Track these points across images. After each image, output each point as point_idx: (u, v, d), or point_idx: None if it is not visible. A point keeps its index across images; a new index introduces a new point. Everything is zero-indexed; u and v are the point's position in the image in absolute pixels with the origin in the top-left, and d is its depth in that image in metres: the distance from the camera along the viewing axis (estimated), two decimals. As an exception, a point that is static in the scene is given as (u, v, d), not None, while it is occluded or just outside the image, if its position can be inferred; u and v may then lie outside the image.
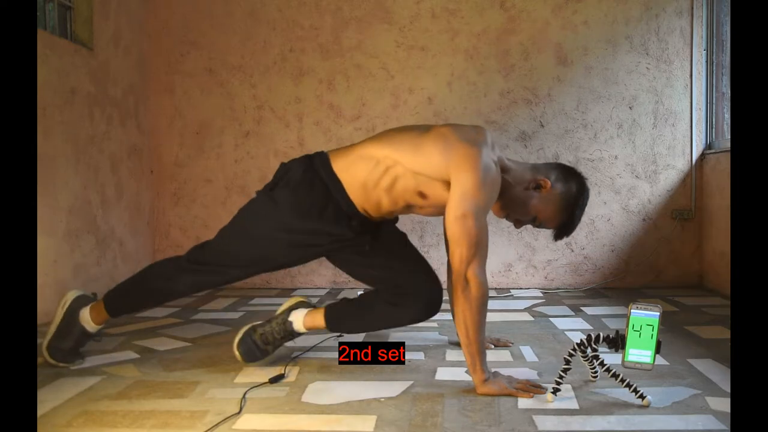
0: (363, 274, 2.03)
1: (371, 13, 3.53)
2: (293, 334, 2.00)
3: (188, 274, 1.94)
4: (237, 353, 1.94)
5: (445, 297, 2.75)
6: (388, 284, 1.95)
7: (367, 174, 1.80)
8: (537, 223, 1.88)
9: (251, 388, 1.72)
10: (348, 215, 1.85)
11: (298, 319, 1.99)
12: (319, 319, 1.99)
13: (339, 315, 2.00)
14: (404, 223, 3.54)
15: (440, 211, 1.83)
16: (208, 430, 1.44)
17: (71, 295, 2.00)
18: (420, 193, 1.81)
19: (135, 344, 2.24)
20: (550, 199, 1.84)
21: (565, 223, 1.86)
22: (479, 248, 1.67)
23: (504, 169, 1.83)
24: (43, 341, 1.95)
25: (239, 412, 1.55)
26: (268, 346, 1.97)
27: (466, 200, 1.67)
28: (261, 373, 1.85)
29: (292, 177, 1.85)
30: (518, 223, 1.91)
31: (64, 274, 2.71)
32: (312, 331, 2.02)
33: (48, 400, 1.64)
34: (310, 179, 1.84)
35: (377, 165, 1.80)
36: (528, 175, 1.85)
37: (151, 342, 2.28)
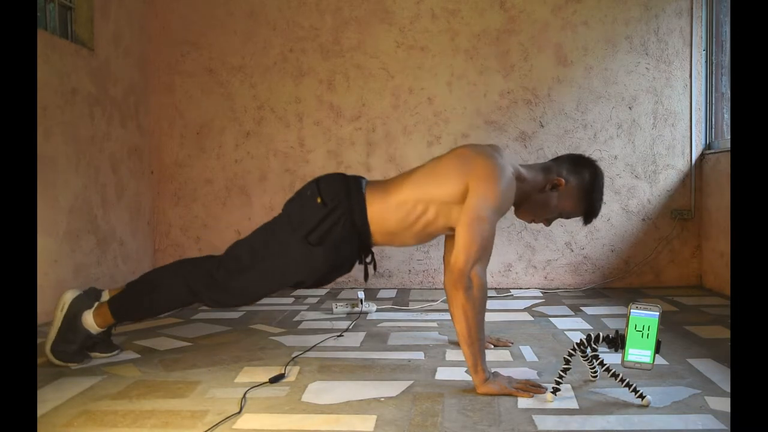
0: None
1: (371, 13, 3.53)
2: (92, 336, 1.98)
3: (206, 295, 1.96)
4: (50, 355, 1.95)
5: (443, 297, 2.75)
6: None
7: (399, 222, 1.89)
8: (564, 216, 1.96)
9: (251, 387, 1.72)
10: (366, 254, 2.01)
11: (89, 321, 1.97)
12: (106, 313, 1.97)
13: (124, 303, 1.99)
14: (404, 223, 3.54)
15: None
16: (209, 429, 1.44)
17: (68, 297, 1.98)
18: (450, 228, 1.90)
19: (135, 344, 2.24)
20: (569, 193, 1.91)
21: (588, 210, 1.93)
22: (486, 251, 1.73)
23: (520, 179, 1.88)
24: (46, 344, 1.95)
25: (239, 412, 1.55)
26: (70, 344, 1.95)
27: (485, 204, 1.74)
28: (261, 373, 1.85)
29: (335, 232, 1.87)
30: (548, 222, 1.99)
31: (64, 274, 2.71)
32: (108, 326, 2.01)
33: (48, 399, 1.64)
34: (350, 235, 1.89)
35: (410, 213, 1.87)
36: (541, 178, 1.91)
37: (152, 342, 2.28)
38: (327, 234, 1.86)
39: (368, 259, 2.02)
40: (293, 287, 2.00)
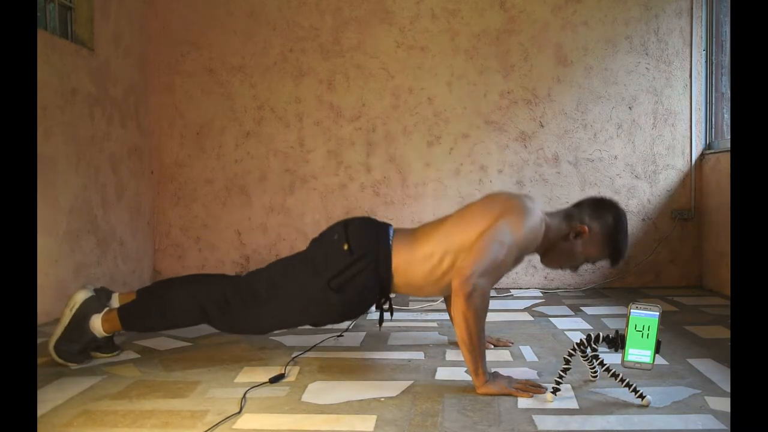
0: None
1: (371, 13, 3.53)
2: (97, 340, 1.99)
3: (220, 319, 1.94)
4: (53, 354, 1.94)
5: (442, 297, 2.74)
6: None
7: (424, 276, 1.87)
8: (590, 261, 1.93)
9: (251, 387, 1.72)
10: (385, 300, 1.99)
11: (96, 326, 1.97)
12: (114, 320, 1.97)
13: (134, 313, 1.99)
14: (403, 222, 3.55)
15: None
16: (209, 429, 1.44)
17: (80, 298, 1.97)
18: None
19: (135, 344, 2.24)
20: (593, 240, 1.87)
21: (614, 253, 1.89)
22: (495, 272, 1.72)
23: (546, 227, 1.86)
24: (50, 341, 1.95)
25: (239, 412, 1.55)
26: (74, 344, 1.95)
27: (509, 233, 1.74)
28: (261, 373, 1.85)
29: (357, 281, 1.85)
30: (574, 269, 1.97)
31: (64, 274, 2.71)
32: (115, 332, 2.02)
33: (48, 399, 1.64)
34: (372, 284, 1.87)
35: (436, 267, 1.85)
36: (564, 226, 1.88)
37: (152, 342, 2.28)
38: (349, 282, 1.85)
39: (386, 306, 2.00)
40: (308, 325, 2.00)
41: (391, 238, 1.90)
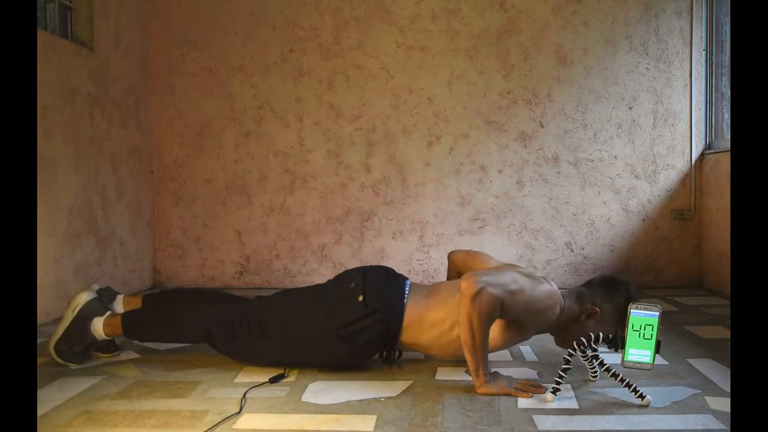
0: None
1: (371, 13, 3.53)
2: (97, 342, 1.98)
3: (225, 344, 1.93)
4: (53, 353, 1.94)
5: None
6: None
7: (431, 341, 1.86)
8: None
9: (251, 387, 1.72)
10: (390, 351, 2.00)
11: (98, 329, 1.96)
12: (117, 326, 1.97)
13: (138, 323, 1.99)
14: (403, 223, 3.55)
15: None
16: (209, 429, 1.44)
17: (83, 299, 1.97)
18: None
19: (135, 344, 2.24)
20: (605, 320, 1.85)
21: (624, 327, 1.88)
22: (505, 292, 1.69)
23: (559, 307, 1.85)
24: (50, 341, 1.95)
25: (239, 412, 1.55)
26: (74, 345, 1.95)
27: (527, 280, 1.74)
28: (261, 373, 1.85)
29: (366, 334, 1.84)
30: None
31: (64, 273, 2.71)
32: (116, 336, 2.02)
33: (48, 400, 1.64)
34: (381, 339, 1.87)
35: (444, 334, 1.84)
36: (576, 307, 1.86)
37: (152, 342, 2.28)
38: (358, 334, 1.84)
39: (395, 355, 2.01)
40: None
41: (406, 296, 1.89)
